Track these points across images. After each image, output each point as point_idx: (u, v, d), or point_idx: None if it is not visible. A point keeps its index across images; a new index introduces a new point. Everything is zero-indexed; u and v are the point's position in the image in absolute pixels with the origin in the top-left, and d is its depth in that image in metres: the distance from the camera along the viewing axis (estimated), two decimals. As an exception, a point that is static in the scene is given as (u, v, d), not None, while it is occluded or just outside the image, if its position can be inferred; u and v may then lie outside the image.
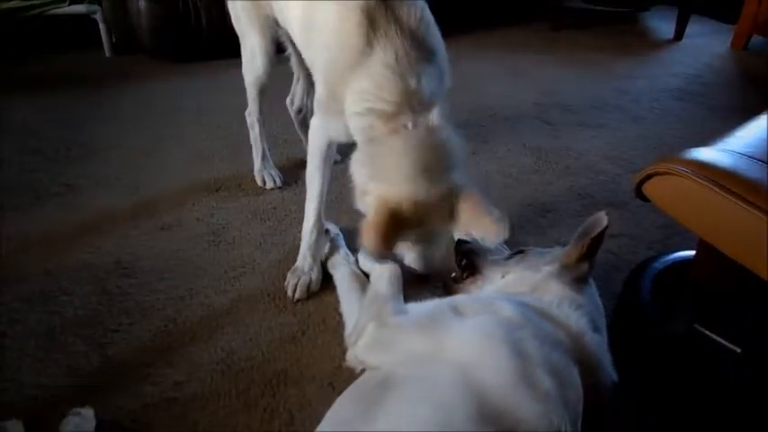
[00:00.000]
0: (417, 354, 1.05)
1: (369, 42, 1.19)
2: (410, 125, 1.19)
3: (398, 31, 1.20)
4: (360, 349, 1.12)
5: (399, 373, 1.01)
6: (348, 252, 1.64)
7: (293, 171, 2.14)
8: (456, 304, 1.13)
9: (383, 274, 1.38)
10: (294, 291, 1.56)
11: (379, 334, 1.12)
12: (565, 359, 1.01)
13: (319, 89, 1.37)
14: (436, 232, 1.25)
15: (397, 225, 1.16)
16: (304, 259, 1.60)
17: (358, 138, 1.28)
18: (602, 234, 1.20)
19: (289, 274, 1.59)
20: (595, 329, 1.13)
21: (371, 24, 1.19)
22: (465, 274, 1.43)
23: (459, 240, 1.53)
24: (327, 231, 1.69)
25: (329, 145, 1.50)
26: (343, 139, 1.39)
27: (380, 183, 1.20)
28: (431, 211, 1.19)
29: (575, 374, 1.00)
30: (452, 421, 0.87)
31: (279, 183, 2.06)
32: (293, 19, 1.51)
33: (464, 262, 1.45)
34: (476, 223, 1.20)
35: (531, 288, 1.22)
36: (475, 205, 1.20)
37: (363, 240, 1.16)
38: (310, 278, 1.58)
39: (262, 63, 1.83)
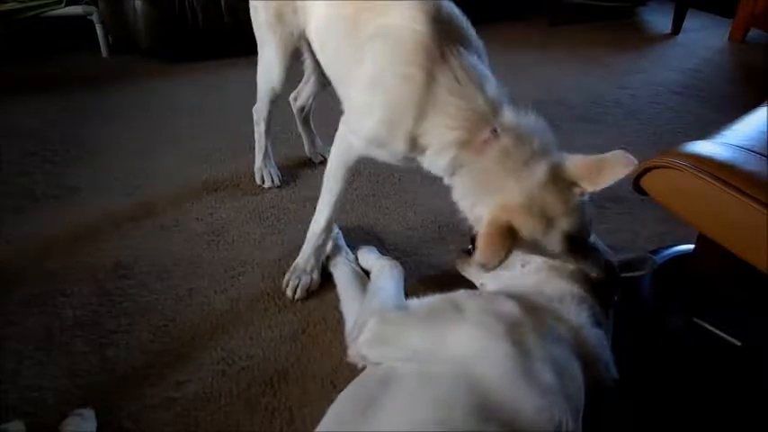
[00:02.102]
0: (418, 349, 1.05)
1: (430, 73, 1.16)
2: (491, 137, 1.16)
3: (453, 51, 1.18)
4: (361, 345, 1.12)
5: (400, 370, 1.02)
6: (348, 250, 1.64)
7: (292, 170, 2.14)
8: (457, 300, 1.13)
9: (384, 271, 1.38)
10: (294, 291, 1.55)
11: (380, 330, 1.12)
12: (566, 353, 1.01)
13: (370, 121, 1.27)
14: (568, 212, 1.16)
15: (511, 235, 1.10)
16: (306, 261, 1.58)
17: (443, 173, 1.25)
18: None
19: (288, 274, 1.58)
20: (596, 324, 1.13)
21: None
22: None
23: None
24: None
25: (358, 159, 1.45)
26: (389, 161, 1.35)
27: (489, 202, 1.15)
28: (551, 201, 1.13)
29: (576, 369, 1.00)
30: (453, 417, 0.87)
31: (278, 182, 2.05)
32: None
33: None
34: (599, 176, 1.15)
35: (537, 282, 1.22)
36: (584, 163, 1.16)
37: (479, 257, 1.09)
38: (311, 279, 1.57)
39: (278, 75, 1.79)
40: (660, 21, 4.06)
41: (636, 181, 1.25)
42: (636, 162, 1.13)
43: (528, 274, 1.28)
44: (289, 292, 1.55)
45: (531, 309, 1.09)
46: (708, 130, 1.25)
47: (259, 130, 2.02)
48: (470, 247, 1.44)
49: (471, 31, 1.31)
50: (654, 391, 1.29)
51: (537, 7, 4.11)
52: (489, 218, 1.11)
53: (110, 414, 1.23)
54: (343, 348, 1.37)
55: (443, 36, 1.19)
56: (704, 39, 3.79)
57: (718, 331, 1.33)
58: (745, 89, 3.04)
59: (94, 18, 3.17)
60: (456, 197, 1.24)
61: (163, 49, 3.21)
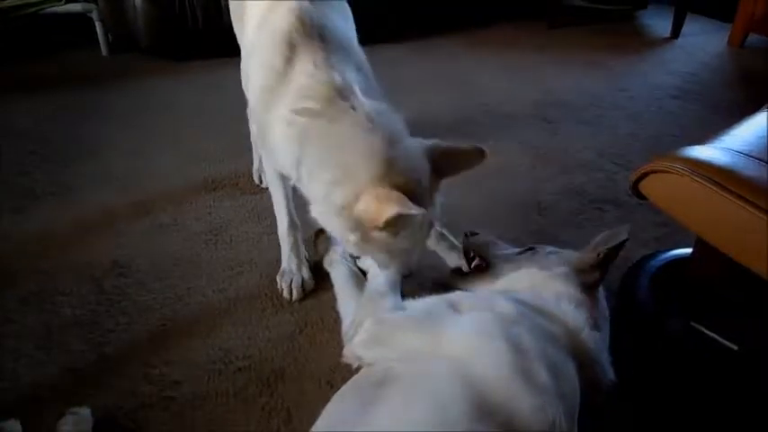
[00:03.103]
0: (414, 350, 1.05)
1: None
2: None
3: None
4: (357, 345, 1.13)
5: (396, 370, 1.02)
6: (344, 250, 1.64)
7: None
8: (453, 301, 1.13)
9: (381, 271, 1.38)
10: (290, 291, 1.55)
11: (376, 330, 1.12)
12: (561, 354, 1.01)
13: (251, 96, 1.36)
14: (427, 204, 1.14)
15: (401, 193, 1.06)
16: (289, 260, 1.59)
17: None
18: (620, 246, 1.22)
19: (278, 278, 1.59)
20: (595, 327, 1.13)
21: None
22: (474, 265, 1.43)
23: (466, 233, 1.54)
24: (323, 231, 1.67)
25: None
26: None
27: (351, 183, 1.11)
28: (418, 176, 1.12)
29: (571, 369, 1.00)
30: (449, 417, 0.87)
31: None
32: None
33: (472, 254, 1.45)
34: (457, 160, 1.18)
35: (533, 285, 1.23)
36: (446, 147, 1.18)
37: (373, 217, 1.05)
38: (302, 277, 1.57)
39: None
40: (659, 24, 4.07)
41: (634, 185, 1.25)
42: (487, 153, 1.17)
43: (524, 277, 1.29)
44: (285, 294, 1.56)
45: (528, 310, 1.09)
46: (706, 134, 1.25)
47: (254, 131, 2.01)
48: (459, 266, 1.48)
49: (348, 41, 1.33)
50: (652, 395, 1.30)
51: (536, 10, 4.11)
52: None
53: (106, 413, 1.23)
54: (340, 348, 1.37)
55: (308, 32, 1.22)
56: (703, 43, 3.80)
57: (715, 335, 1.34)
58: (743, 94, 3.04)
59: (94, 16, 3.17)
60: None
61: (162, 47, 3.21)
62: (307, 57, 1.20)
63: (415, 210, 1.02)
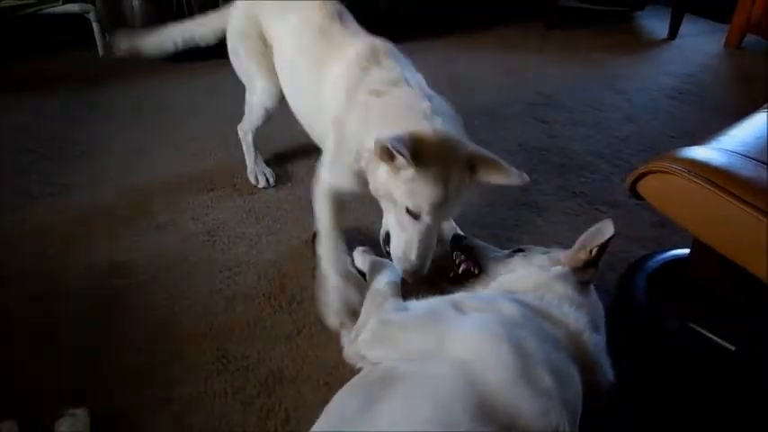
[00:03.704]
0: (418, 350, 1.05)
1: None
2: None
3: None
4: (360, 345, 1.13)
5: (399, 370, 1.02)
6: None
7: (287, 170, 2.14)
8: (457, 301, 1.13)
9: (382, 272, 1.38)
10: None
11: (380, 329, 1.12)
12: (564, 357, 1.01)
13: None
14: (454, 192, 1.25)
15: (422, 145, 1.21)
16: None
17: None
18: (608, 241, 1.22)
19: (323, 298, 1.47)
20: (595, 329, 1.13)
21: None
22: (462, 270, 1.43)
23: (455, 236, 1.53)
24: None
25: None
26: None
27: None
28: (452, 159, 1.24)
29: (574, 373, 1.00)
30: (452, 418, 0.87)
31: (272, 182, 2.06)
32: None
33: (462, 258, 1.45)
34: (494, 171, 1.27)
35: (535, 287, 1.22)
36: (489, 156, 1.28)
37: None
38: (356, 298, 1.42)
39: (273, 96, 1.90)
40: (657, 26, 4.08)
41: (632, 185, 1.25)
42: (527, 180, 1.26)
43: (522, 278, 1.29)
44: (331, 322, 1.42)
45: (531, 312, 1.09)
46: (704, 135, 1.25)
47: (247, 140, 2.10)
48: (452, 273, 1.48)
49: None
50: (649, 395, 1.30)
51: (533, 11, 4.12)
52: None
53: (104, 414, 1.23)
54: (339, 349, 1.37)
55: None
56: (700, 44, 3.80)
57: (712, 336, 1.34)
58: (741, 95, 3.05)
59: (91, 16, 3.17)
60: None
61: (160, 47, 3.20)
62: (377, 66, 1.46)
63: (405, 154, 1.15)
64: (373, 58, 1.47)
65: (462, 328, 1.04)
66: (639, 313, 1.46)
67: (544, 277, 1.24)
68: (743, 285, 1.20)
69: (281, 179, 2.09)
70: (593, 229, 1.26)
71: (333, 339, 1.41)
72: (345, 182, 1.48)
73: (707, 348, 1.34)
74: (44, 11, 3.05)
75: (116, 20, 3.15)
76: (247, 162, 2.11)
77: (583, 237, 1.27)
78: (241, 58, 1.92)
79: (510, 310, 1.07)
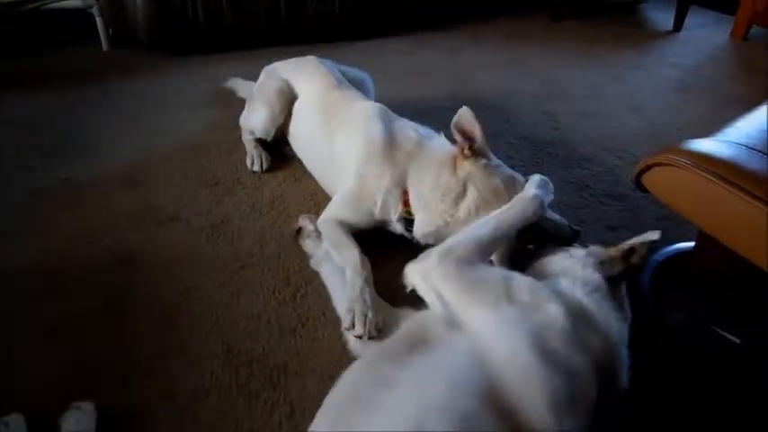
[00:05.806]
0: (446, 304, 1.09)
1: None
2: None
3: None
4: (414, 272, 1.18)
5: (407, 357, 1.02)
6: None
7: (292, 165, 2.14)
8: (511, 284, 1.12)
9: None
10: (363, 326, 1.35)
11: (436, 263, 1.15)
12: (585, 364, 1.00)
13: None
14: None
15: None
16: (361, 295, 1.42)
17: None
18: (648, 245, 1.24)
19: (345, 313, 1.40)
20: (623, 342, 1.13)
21: None
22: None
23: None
24: (301, 229, 1.73)
25: None
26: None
27: None
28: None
29: (592, 387, 0.99)
30: (460, 401, 0.89)
31: (266, 165, 2.11)
32: None
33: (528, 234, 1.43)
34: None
35: (562, 271, 1.23)
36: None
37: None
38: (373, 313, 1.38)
39: (264, 129, 2.09)
40: (662, 17, 4.05)
41: (637, 178, 1.25)
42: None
43: (556, 264, 1.28)
44: (359, 329, 1.34)
45: (575, 318, 1.06)
46: (709, 127, 1.24)
47: (245, 135, 2.21)
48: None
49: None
50: (654, 388, 1.29)
51: (539, 2, 4.10)
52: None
53: (110, 407, 1.23)
54: (343, 342, 1.38)
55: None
56: (706, 36, 3.78)
57: (717, 329, 1.33)
58: (746, 86, 3.03)
59: (94, 11, 3.17)
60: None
61: (163, 42, 3.21)
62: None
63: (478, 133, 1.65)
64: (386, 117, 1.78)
65: (494, 313, 1.05)
66: (645, 306, 1.46)
67: (570, 262, 1.24)
68: (747, 278, 1.19)
69: (285, 173, 2.09)
70: (640, 236, 1.27)
71: (337, 333, 1.41)
72: (354, 219, 1.64)
73: (712, 341, 1.34)
74: (47, 6, 3.05)
75: (118, 14, 3.16)
76: (246, 147, 2.19)
77: (628, 241, 1.28)
78: (268, 83, 2.11)
79: (554, 315, 1.04)
